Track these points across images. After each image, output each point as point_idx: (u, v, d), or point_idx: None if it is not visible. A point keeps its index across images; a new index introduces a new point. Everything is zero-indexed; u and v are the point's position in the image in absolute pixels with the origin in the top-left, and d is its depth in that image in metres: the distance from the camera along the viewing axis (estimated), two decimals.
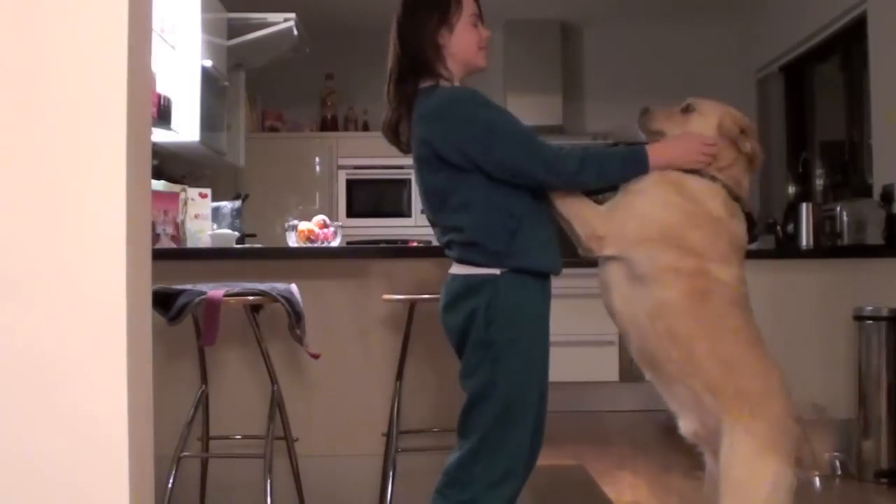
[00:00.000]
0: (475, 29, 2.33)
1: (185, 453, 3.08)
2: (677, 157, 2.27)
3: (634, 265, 2.23)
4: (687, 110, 2.37)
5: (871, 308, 3.83)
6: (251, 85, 6.05)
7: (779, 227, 5.01)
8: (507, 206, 2.21)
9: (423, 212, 2.46)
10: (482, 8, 2.38)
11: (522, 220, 2.22)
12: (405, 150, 2.42)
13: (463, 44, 2.31)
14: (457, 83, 2.34)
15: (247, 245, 4.13)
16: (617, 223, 2.26)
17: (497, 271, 2.21)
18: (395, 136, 2.40)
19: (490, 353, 2.20)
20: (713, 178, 2.27)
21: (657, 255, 2.21)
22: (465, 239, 2.24)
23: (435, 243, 5.76)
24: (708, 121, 2.33)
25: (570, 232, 2.35)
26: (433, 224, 2.40)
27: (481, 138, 2.19)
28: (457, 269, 2.29)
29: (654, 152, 2.27)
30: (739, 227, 2.29)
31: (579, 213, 2.28)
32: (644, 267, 2.22)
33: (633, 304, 2.26)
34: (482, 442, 2.19)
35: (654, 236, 2.22)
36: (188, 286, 2.94)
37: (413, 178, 2.43)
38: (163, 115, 3.92)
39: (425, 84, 2.32)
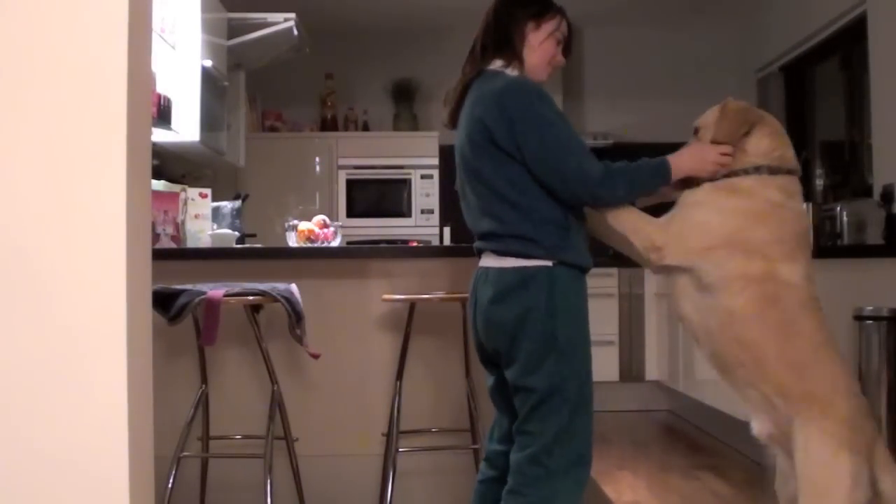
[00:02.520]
0: (556, 46, 2.42)
1: (185, 453, 3.08)
2: (694, 166, 2.33)
3: (701, 274, 2.24)
4: (696, 133, 2.41)
5: (871, 308, 3.83)
6: (251, 85, 6.04)
7: None
8: (560, 204, 2.25)
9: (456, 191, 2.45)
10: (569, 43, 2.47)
11: (569, 219, 2.27)
12: (452, 125, 2.45)
13: (540, 47, 2.38)
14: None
15: (247, 245, 4.13)
16: (675, 233, 2.27)
17: (550, 263, 2.23)
18: (457, 103, 2.41)
19: (555, 347, 2.21)
20: (756, 169, 2.28)
21: (723, 263, 2.22)
22: (515, 232, 2.24)
23: (435, 243, 5.74)
24: (709, 131, 2.37)
25: (627, 247, 2.35)
26: (466, 204, 2.40)
27: (537, 133, 2.21)
28: (504, 262, 2.27)
29: (674, 163, 2.32)
30: (799, 206, 2.31)
31: (636, 227, 2.29)
32: (711, 276, 2.23)
33: (703, 312, 2.27)
34: (557, 436, 2.21)
35: (717, 243, 2.23)
36: (188, 286, 2.94)
37: (458, 158, 2.41)
38: (163, 115, 3.92)
39: (495, 66, 2.36)
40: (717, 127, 2.32)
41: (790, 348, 2.21)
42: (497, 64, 2.37)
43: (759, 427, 2.29)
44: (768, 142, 2.31)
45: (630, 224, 2.30)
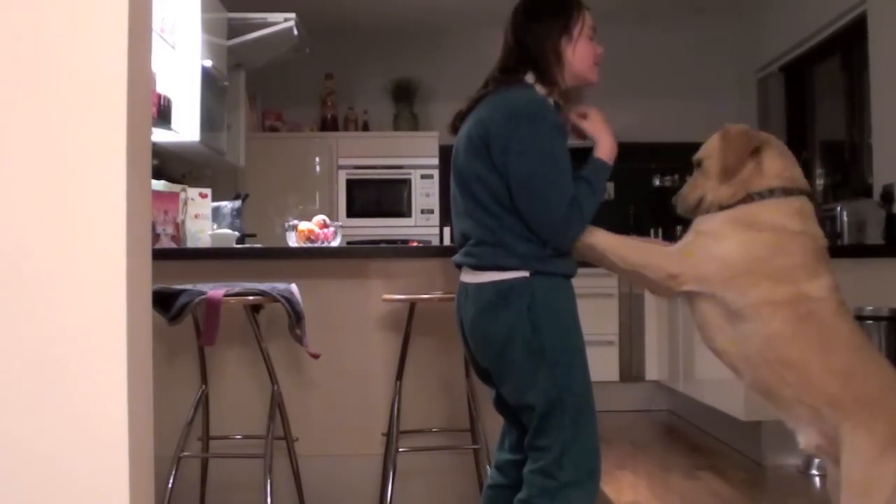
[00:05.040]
0: (592, 43, 2.36)
1: (185, 453, 3.08)
2: (613, 148, 2.32)
3: (725, 301, 2.23)
4: (700, 165, 2.36)
5: (871, 308, 3.83)
6: (251, 85, 6.05)
7: None
8: None
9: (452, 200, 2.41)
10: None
11: None
12: (454, 131, 2.40)
13: (580, 55, 2.33)
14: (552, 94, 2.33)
15: (247, 245, 4.13)
16: (691, 263, 2.26)
17: (526, 273, 2.19)
18: (468, 111, 2.35)
19: (545, 360, 2.18)
20: (771, 192, 2.26)
21: (747, 290, 2.20)
22: (491, 238, 2.22)
23: (435, 243, 5.74)
24: (713, 156, 2.33)
25: (641, 280, 2.33)
26: (454, 209, 2.37)
27: (529, 165, 2.16)
28: (481, 277, 2.24)
29: (604, 154, 2.30)
30: (816, 229, 2.31)
31: (646, 262, 2.28)
32: (737, 303, 2.21)
33: (740, 342, 2.25)
34: (564, 447, 2.19)
35: (737, 274, 2.22)
36: (188, 286, 2.94)
37: (452, 162, 2.37)
38: (163, 115, 3.92)
39: (528, 78, 2.30)
40: (724, 151, 2.28)
41: (834, 358, 2.20)
42: (530, 77, 2.30)
43: (807, 440, 2.27)
44: (780, 161, 2.30)
45: (639, 260, 2.28)
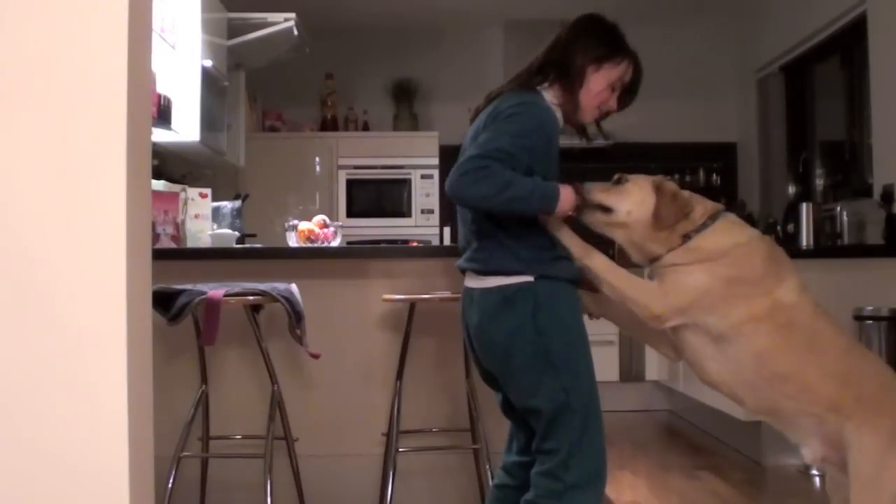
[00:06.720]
0: (610, 91, 2.35)
1: (185, 453, 3.08)
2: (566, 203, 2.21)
3: (708, 326, 2.25)
4: (619, 182, 2.34)
5: (871, 308, 3.83)
6: (251, 85, 6.05)
7: (779, 227, 5.01)
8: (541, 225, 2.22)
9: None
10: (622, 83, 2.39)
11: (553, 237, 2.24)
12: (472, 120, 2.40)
13: (594, 89, 2.33)
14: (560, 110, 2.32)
15: (247, 245, 4.13)
16: (671, 300, 2.27)
17: (531, 278, 2.19)
18: (485, 106, 2.35)
19: (551, 363, 2.18)
20: (704, 225, 2.29)
21: (728, 312, 2.22)
22: (493, 242, 2.22)
23: (435, 243, 5.75)
24: (642, 189, 2.31)
25: (628, 310, 2.33)
26: (459, 213, 2.37)
27: (495, 131, 2.16)
28: (486, 282, 2.24)
29: (564, 194, 2.18)
30: (756, 231, 2.35)
31: (633, 297, 2.28)
32: (719, 327, 2.23)
33: (733, 367, 2.26)
34: (571, 450, 2.20)
35: (716, 300, 2.24)
36: (188, 286, 2.94)
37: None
38: (163, 115, 3.92)
39: (542, 87, 2.31)
40: (667, 210, 2.27)
41: (827, 362, 2.23)
42: (547, 85, 2.32)
43: (812, 453, 2.29)
44: (700, 204, 2.33)
45: (626, 292, 2.27)
